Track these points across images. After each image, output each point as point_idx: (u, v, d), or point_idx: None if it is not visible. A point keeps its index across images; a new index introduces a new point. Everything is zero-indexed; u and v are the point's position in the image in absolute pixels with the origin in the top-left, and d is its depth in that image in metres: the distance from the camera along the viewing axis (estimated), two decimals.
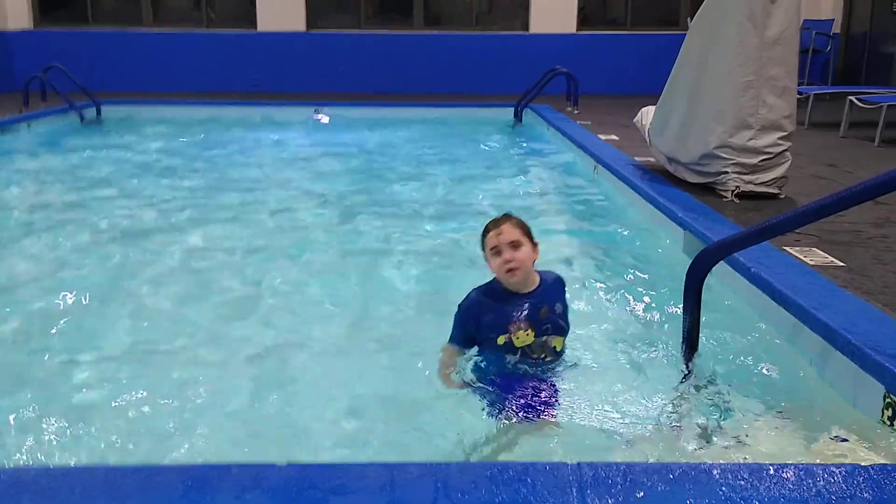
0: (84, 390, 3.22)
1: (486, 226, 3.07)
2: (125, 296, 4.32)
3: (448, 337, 3.14)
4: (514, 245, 2.94)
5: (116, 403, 3.08)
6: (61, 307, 4.12)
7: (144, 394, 3.16)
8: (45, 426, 2.91)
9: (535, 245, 3.04)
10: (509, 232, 2.96)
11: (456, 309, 3.12)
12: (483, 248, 3.06)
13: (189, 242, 5.39)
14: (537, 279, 3.05)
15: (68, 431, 2.87)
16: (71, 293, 4.32)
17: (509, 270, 2.93)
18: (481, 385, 2.95)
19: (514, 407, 2.83)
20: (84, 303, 4.21)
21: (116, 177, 7.68)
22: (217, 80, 14.17)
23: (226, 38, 14.50)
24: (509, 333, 2.95)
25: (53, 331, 3.83)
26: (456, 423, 2.84)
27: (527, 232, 3.03)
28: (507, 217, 3.07)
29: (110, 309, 4.14)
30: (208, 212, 6.25)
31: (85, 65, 12.95)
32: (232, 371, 3.41)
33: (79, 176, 7.74)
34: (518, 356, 2.97)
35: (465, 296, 3.10)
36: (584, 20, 14.64)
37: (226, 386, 3.28)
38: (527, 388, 2.91)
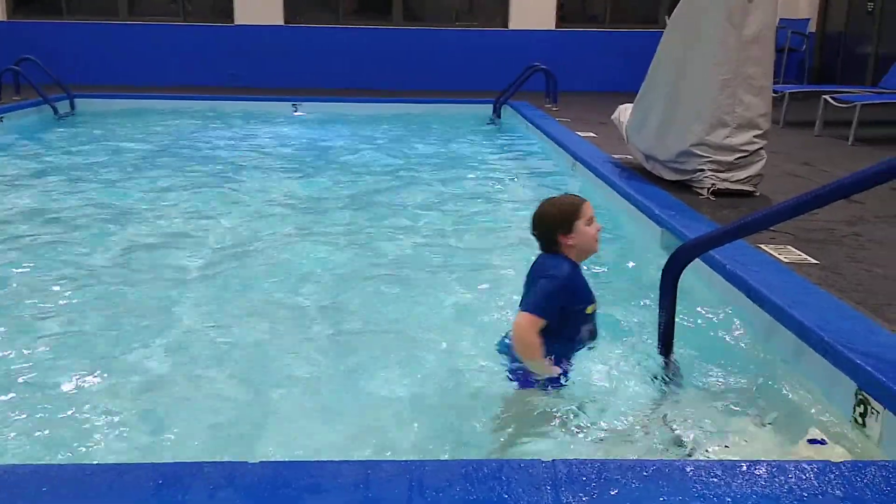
0: (51, 386, 3.18)
1: (564, 204, 3.19)
2: (96, 290, 4.26)
3: (529, 309, 2.96)
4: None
5: (94, 398, 3.05)
6: (25, 304, 4.06)
7: (114, 389, 3.13)
8: (8, 424, 2.88)
9: None
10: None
11: (550, 278, 3.00)
12: (568, 220, 3.10)
13: (163, 235, 5.34)
14: None
15: (35, 429, 2.84)
16: (38, 289, 4.27)
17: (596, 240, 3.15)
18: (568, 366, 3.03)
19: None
20: (51, 299, 4.15)
21: (89, 170, 7.59)
22: (194, 73, 14.05)
23: (203, 31, 14.37)
24: (594, 303, 3.12)
25: (23, 324, 3.78)
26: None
27: None
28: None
29: (80, 303, 4.09)
30: (182, 205, 6.19)
31: (59, 57, 12.75)
32: (222, 365, 3.39)
33: (51, 169, 7.63)
34: (591, 324, 3.15)
35: (558, 266, 3.05)
36: (563, 17, 14.65)
37: (217, 384, 3.25)
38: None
